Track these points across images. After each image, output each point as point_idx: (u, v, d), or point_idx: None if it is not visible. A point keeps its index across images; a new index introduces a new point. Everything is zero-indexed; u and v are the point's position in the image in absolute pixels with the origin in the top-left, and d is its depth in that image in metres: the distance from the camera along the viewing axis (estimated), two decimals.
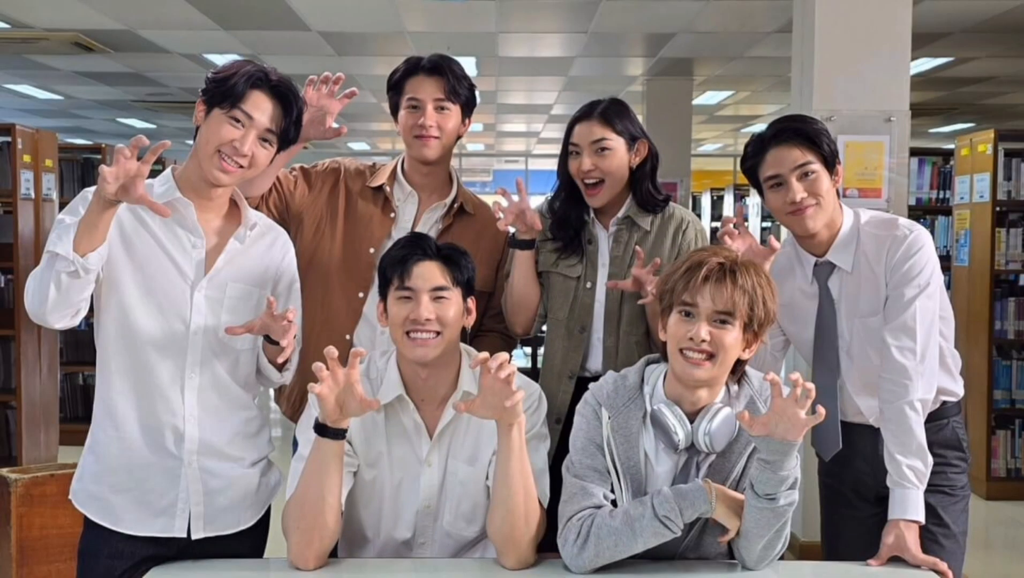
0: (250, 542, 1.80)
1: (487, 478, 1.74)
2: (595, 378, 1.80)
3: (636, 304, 2.05)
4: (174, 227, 1.70)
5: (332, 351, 1.55)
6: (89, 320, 1.73)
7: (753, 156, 1.93)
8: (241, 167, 1.68)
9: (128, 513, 1.69)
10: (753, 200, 8.53)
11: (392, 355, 1.79)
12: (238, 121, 1.66)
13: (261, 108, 1.68)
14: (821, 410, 1.48)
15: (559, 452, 1.84)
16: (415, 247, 1.75)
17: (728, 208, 9.47)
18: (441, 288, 1.72)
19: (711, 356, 1.59)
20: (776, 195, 1.90)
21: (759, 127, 2.03)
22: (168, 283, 1.69)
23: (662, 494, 1.59)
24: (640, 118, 2.20)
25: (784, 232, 2.04)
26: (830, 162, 1.88)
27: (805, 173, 1.86)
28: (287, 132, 1.73)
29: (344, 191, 2.18)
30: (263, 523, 1.83)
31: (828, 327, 1.96)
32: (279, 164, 2.01)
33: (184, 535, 1.71)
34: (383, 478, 1.75)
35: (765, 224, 8.29)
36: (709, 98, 9.52)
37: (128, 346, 1.68)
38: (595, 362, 2.13)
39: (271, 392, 2.18)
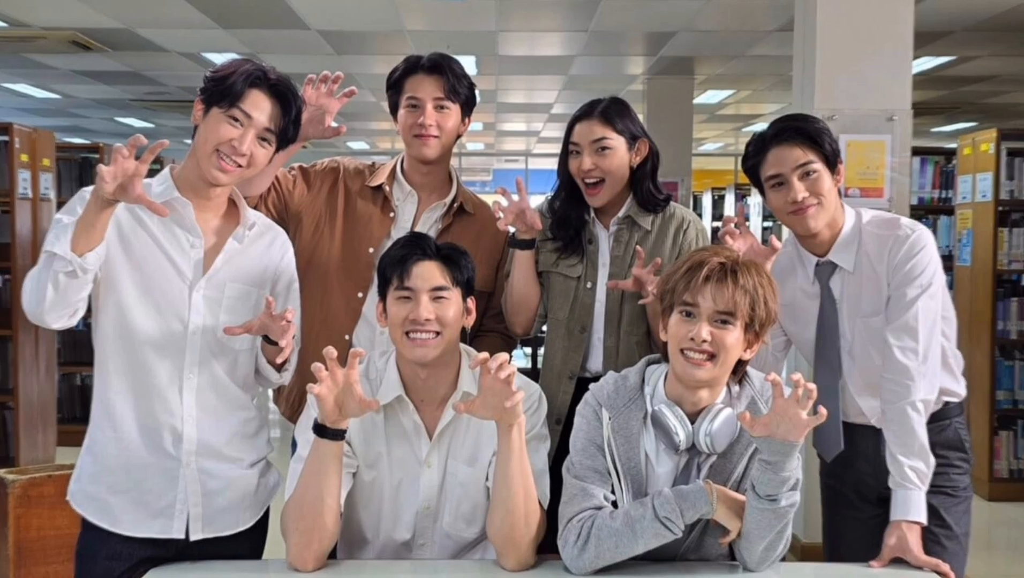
0: (249, 543, 1.80)
1: (487, 479, 1.73)
2: (595, 378, 1.80)
3: (637, 304, 2.05)
4: (172, 227, 1.70)
5: (331, 351, 1.55)
6: (87, 320, 1.73)
7: (754, 155, 1.93)
8: (240, 166, 1.68)
9: (126, 514, 1.69)
10: (754, 200, 8.52)
11: (391, 355, 1.78)
12: (237, 120, 1.66)
13: (260, 107, 1.68)
14: (823, 411, 1.48)
15: (559, 453, 1.84)
16: (415, 247, 1.74)
17: (729, 208, 9.46)
18: (441, 288, 1.72)
19: (712, 356, 1.59)
20: (777, 194, 1.90)
21: (760, 126, 2.03)
22: (166, 283, 1.69)
23: (663, 495, 1.58)
24: (641, 117, 2.19)
25: (786, 232, 2.04)
26: (832, 161, 1.88)
27: (807, 172, 1.86)
28: (286, 131, 1.72)
29: (343, 190, 2.17)
30: (262, 524, 1.83)
31: (830, 327, 1.96)
32: (278, 163, 2.01)
33: (182, 536, 1.70)
34: (382, 479, 1.75)
35: (766, 224, 8.28)
36: (710, 97, 9.52)
37: (126, 346, 1.68)
38: (595, 362, 2.12)
39: (270, 393, 2.17)
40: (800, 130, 1.88)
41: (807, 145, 1.86)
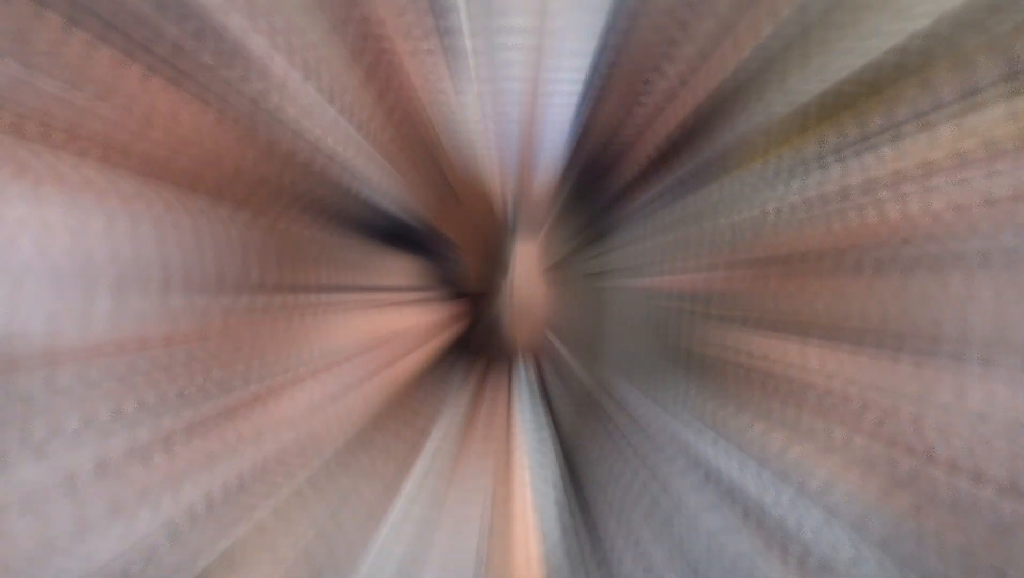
0: None
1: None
2: (619, 403, 1.67)
3: (676, 307, 1.84)
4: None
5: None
6: None
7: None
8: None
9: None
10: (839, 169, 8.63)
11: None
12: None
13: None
14: None
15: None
16: (384, 237, 1.60)
17: (806, 180, 9.62)
18: (419, 289, 1.58)
19: (786, 381, 1.36)
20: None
21: None
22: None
23: None
24: None
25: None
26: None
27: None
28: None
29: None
30: None
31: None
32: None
33: None
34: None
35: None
36: None
37: None
38: (618, 380, 1.94)
39: None
40: None
41: None
